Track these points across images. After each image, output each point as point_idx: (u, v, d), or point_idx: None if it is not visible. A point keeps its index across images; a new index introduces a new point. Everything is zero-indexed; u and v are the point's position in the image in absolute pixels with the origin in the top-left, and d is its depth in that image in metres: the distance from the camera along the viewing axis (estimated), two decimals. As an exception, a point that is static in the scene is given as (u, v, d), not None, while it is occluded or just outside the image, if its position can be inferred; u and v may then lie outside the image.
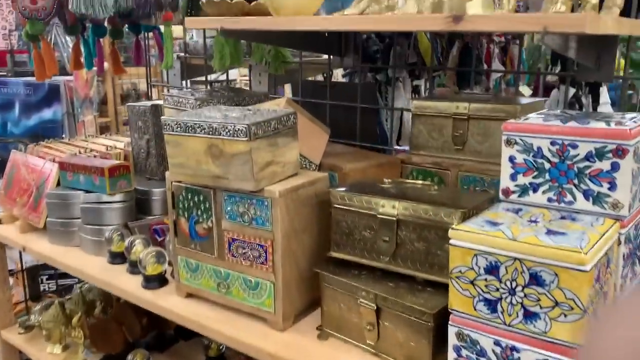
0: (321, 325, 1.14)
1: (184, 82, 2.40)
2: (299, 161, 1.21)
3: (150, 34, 2.16)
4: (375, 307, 1.02)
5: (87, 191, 1.63)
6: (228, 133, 1.08)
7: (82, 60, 2.06)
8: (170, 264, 1.39)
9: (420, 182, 1.15)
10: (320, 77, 2.24)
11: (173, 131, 1.16)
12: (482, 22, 0.91)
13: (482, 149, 1.28)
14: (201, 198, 1.21)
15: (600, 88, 1.61)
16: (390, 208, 1.04)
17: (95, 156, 1.79)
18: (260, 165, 1.09)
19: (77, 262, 1.55)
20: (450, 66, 1.73)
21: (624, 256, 0.93)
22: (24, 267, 2.09)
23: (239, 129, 1.07)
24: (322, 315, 1.14)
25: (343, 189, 1.13)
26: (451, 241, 0.88)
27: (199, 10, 1.76)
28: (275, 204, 1.10)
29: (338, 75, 1.88)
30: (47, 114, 2.99)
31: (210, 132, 1.11)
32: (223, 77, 2.35)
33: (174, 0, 1.63)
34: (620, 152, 0.88)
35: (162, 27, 2.03)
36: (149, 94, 2.46)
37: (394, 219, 1.03)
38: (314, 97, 1.81)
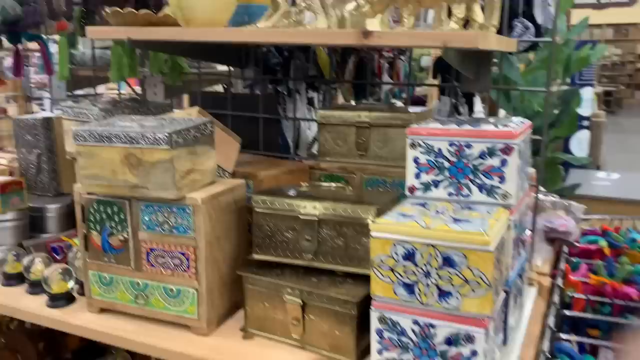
0: (245, 326, 1.18)
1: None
2: (216, 170, 1.24)
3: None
4: (301, 302, 1.08)
5: (-28, 211, 1.51)
6: (147, 142, 1.08)
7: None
8: (77, 281, 1.34)
9: (334, 184, 1.23)
10: (216, 89, 2.26)
11: (86, 141, 1.13)
12: (388, 38, 1.02)
13: (383, 153, 1.40)
14: (115, 209, 1.19)
15: (474, 98, 1.83)
16: (311, 209, 1.11)
17: (-23, 173, 1.66)
18: (181, 173, 1.11)
19: (-37, 288, 1.43)
20: (347, 79, 1.86)
21: (513, 240, 1.08)
22: None
23: (159, 137, 1.08)
24: (246, 316, 1.17)
25: (264, 194, 1.18)
26: (372, 233, 0.97)
27: (93, 20, 1.72)
28: (198, 211, 1.12)
29: (236, 87, 1.92)
30: None
31: (128, 142, 1.10)
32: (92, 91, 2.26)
33: (68, 9, 1.58)
34: (507, 150, 1.03)
35: (44, 36, 1.94)
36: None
37: (316, 218, 1.11)
38: (214, 108, 1.83)
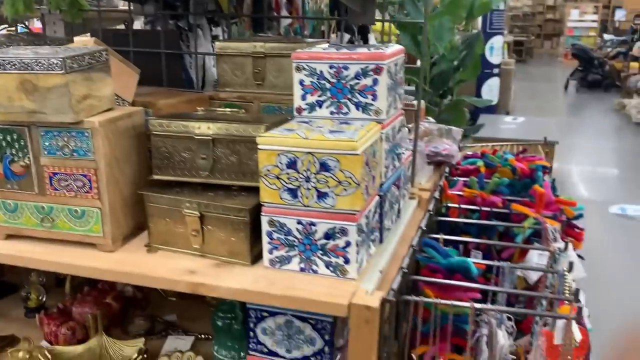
0: (149, 242, 1.27)
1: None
2: (114, 97, 1.30)
3: None
4: (199, 215, 1.19)
5: None
6: (42, 67, 1.12)
7: None
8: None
9: (228, 110, 1.32)
10: (119, 27, 2.24)
11: (-22, 69, 1.15)
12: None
13: (279, 82, 1.50)
14: (15, 137, 1.22)
15: (369, 34, 1.95)
16: (205, 129, 1.20)
17: None
18: (78, 98, 1.16)
19: None
20: (246, 13, 1.92)
21: (385, 151, 1.23)
22: None
23: (53, 63, 1.12)
24: (149, 233, 1.27)
25: (161, 117, 1.25)
26: (259, 146, 1.09)
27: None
28: (96, 133, 1.18)
29: (138, 25, 1.93)
30: None
31: (22, 68, 1.14)
32: None
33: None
34: (378, 70, 1.17)
35: None
36: None
37: (210, 138, 1.20)
38: (116, 45, 1.84)
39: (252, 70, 1.52)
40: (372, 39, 1.88)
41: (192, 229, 1.21)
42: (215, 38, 2.17)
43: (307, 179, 1.07)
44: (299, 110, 1.24)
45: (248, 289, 1.09)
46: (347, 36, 1.90)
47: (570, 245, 1.34)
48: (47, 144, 1.21)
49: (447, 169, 1.85)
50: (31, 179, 1.25)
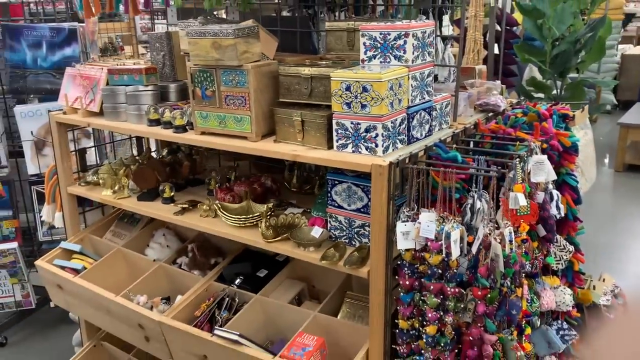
0: (275, 138, 2.20)
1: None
2: (261, 53, 2.24)
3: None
4: (301, 120, 2.08)
5: (128, 85, 2.63)
6: (223, 34, 2.10)
7: (92, 8, 3.02)
8: (188, 122, 2.42)
9: (324, 62, 2.19)
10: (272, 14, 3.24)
11: (193, 36, 2.17)
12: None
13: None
14: (208, 74, 2.23)
15: (443, 16, 2.67)
16: (307, 71, 2.09)
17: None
18: (240, 52, 2.12)
19: (129, 127, 2.57)
20: (349, 3, 2.77)
21: (412, 85, 2.00)
22: (76, 148, 3.08)
23: (229, 32, 2.09)
24: (276, 133, 2.19)
25: (284, 64, 2.17)
26: (332, 78, 1.94)
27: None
28: (249, 73, 2.13)
29: (283, 12, 2.87)
30: (67, 51, 3.91)
31: (214, 35, 2.12)
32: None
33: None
34: (406, 35, 1.94)
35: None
36: (153, 28, 3.42)
37: (309, 76, 2.09)
38: (269, 26, 2.83)
39: (346, 40, 2.37)
40: (446, 19, 2.58)
41: (297, 129, 2.11)
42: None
43: (356, 97, 1.90)
44: (363, 61, 2.06)
45: (323, 158, 1.96)
46: (424, 18, 2.62)
47: (538, 148, 1.98)
48: (224, 78, 2.20)
49: (491, 115, 2.52)
50: (215, 99, 2.25)
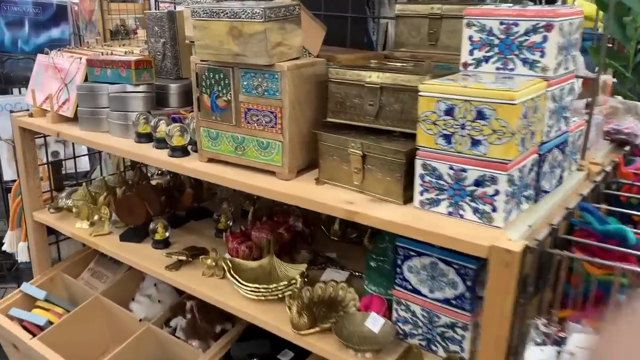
0: (318, 176, 1.45)
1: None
2: (301, 47, 1.49)
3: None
4: (362, 154, 1.32)
5: (112, 83, 1.89)
6: (247, 15, 1.35)
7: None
8: (191, 141, 1.67)
9: (399, 63, 1.43)
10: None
11: (200, 16, 1.42)
12: None
13: (451, 43, 1.56)
14: (221, 76, 1.48)
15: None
16: (375, 78, 1.33)
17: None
18: (272, 44, 1.37)
19: (108, 142, 1.83)
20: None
21: (549, 110, 1.23)
22: (49, 161, 2.36)
23: (256, 12, 1.33)
24: (319, 168, 1.44)
25: (338, 66, 1.41)
26: (420, 93, 1.18)
27: None
28: (284, 76, 1.38)
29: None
30: (55, 32, 3.19)
31: (232, 16, 1.37)
32: None
33: None
34: (549, 27, 1.17)
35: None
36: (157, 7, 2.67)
37: (378, 86, 1.32)
38: (309, 9, 2.06)
39: (427, 31, 1.60)
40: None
41: (355, 167, 1.35)
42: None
43: (463, 126, 1.14)
44: (465, 65, 1.29)
45: (395, 221, 1.20)
46: (530, 4, 1.87)
47: None
48: (245, 83, 1.45)
49: (627, 148, 1.73)
50: (230, 112, 1.50)
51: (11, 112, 2.22)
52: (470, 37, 1.27)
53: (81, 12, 3.36)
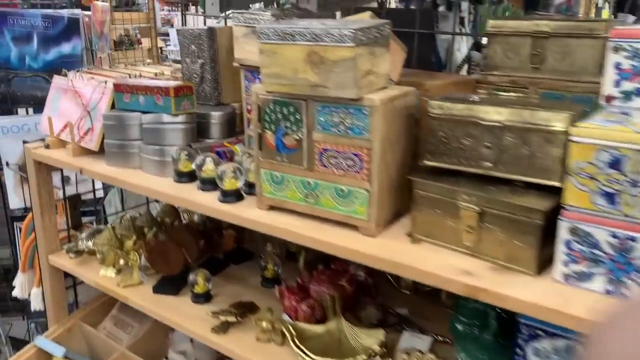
0: (412, 231, 1.18)
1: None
2: (388, 74, 1.23)
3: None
4: (478, 210, 1.06)
5: (145, 112, 1.63)
6: (333, 39, 1.08)
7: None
8: (246, 182, 1.41)
9: (513, 94, 1.17)
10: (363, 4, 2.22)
11: (269, 39, 1.16)
12: None
13: (562, 66, 1.30)
14: (291, 109, 1.22)
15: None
16: (495, 114, 1.07)
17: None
18: (362, 73, 1.11)
19: (141, 181, 1.56)
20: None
21: None
22: (66, 196, 2.08)
23: (345, 34, 1.07)
24: (413, 222, 1.17)
25: (441, 99, 1.14)
26: (573, 138, 0.92)
27: None
28: (375, 112, 1.11)
29: (391, 2, 1.88)
30: (66, 48, 2.92)
31: (311, 39, 1.11)
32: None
33: None
34: None
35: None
36: (183, 22, 2.41)
37: (500, 124, 1.06)
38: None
39: (529, 52, 1.34)
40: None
41: (467, 225, 1.08)
42: (461, 21, 2.02)
43: (634, 184, 0.87)
44: (609, 98, 1.04)
45: (541, 304, 0.93)
46: (631, 17, 1.62)
47: None
48: (322, 119, 1.18)
49: None
50: (301, 153, 1.23)
51: (24, 142, 1.94)
52: (617, 65, 1.01)
53: (93, 24, 3.10)
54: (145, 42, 6.33)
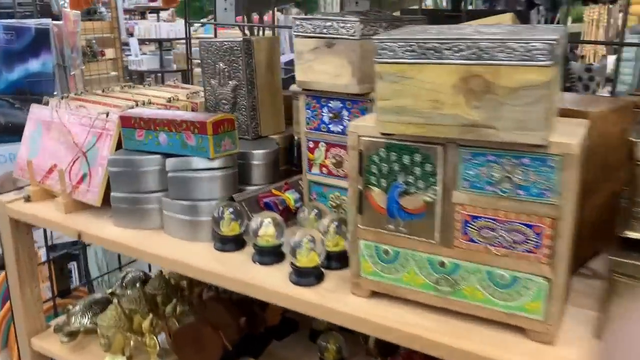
0: (598, 333, 0.80)
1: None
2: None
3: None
4: None
5: (168, 155, 1.20)
6: (513, 56, 0.70)
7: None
8: (326, 254, 1.00)
9: None
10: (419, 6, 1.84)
11: (397, 58, 0.76)
12: None
13: None
14: (418, 158, 0.83)
15: None
16: None
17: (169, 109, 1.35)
18: (553, 107, 0.73)
19: (167, 251, 1.13)
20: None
21: None
22: (50, 258, 1.62)
23: (537, 48, 0.68)
24: (602, 319, 0.80)
25: (654, 139, 0.78)
26: None
27: None
28: (570, 164, 0.73)
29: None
30: (34, 65, 2.44)
31: (472, 56, 0.72)
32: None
33: None
34: None
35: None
36: (187, 33, 1.98)
37: None
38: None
39: None
40: None
41: None
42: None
43: None
44: None
45: None
46: None
47: None
48: (471, 173, 0.80)
49: None
50: (432, 221, 0.84)
51: (-6, 192, 1.48)
52: None
53: (65, 36, 2.62)
54: (109, 53, 5.82)
